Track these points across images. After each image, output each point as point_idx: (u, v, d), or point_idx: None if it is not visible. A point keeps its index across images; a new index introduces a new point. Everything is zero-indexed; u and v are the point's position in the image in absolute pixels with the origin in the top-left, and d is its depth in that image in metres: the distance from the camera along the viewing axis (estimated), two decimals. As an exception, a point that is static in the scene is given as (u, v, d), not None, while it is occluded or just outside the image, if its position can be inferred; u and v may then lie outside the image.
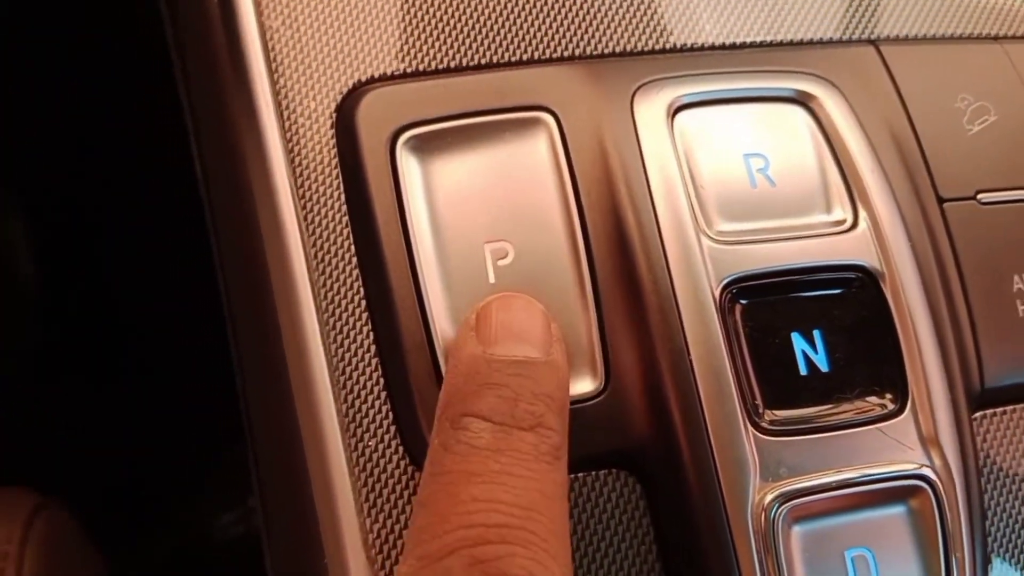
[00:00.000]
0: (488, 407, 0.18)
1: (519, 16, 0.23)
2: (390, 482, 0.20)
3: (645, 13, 0.24)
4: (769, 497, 0.19)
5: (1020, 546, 0.23)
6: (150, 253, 0.55)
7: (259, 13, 0.23)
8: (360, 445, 0.20)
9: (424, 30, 0.23)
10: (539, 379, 0.19)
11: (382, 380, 0.20)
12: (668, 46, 0.24)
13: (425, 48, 0.23)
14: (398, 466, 0.20)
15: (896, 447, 0.20)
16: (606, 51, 0.23)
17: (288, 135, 0.22)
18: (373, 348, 0.20)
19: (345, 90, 0.22)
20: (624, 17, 0.24)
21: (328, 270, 0.21)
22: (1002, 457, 0.23)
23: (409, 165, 0.21)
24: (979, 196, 0.24)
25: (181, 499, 0.55)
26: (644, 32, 0.24)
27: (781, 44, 0.25)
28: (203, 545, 0.54)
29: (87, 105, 0.52)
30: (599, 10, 0.24)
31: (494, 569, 0.16)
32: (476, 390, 0.18)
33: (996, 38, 0.27)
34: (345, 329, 0.21)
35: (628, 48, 0.23)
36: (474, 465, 0.17)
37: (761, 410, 0.20)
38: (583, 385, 0.20)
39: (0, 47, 0.49)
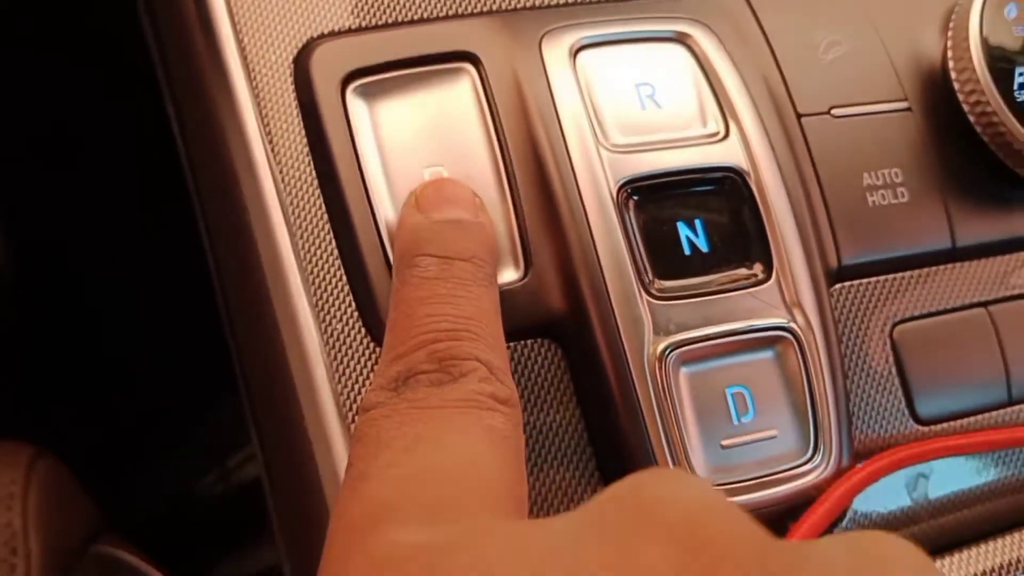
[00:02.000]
0: (434, 248, 0.23)
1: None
2: (355, 355, 0.24)
3: (549, -27, 0.29)
4: (661, 346, 0.24)
5: (877, 406, 0.28)
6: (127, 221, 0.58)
7: (223, -16, 0.27)
8: (329, 329, 0.24)
9: (364, -6, 0.27)
10: (472, 231, 0.23)
11: (345, 278, 0.25)
12: (570, 0, 0.28)
13: (367, 7, 0.27)
14: (361, 343, 0.24)
15: (765, 307, 0.25)
16: (518, 5, 0.28)
17: (253, 85, 0.26)
18: (336, 252, 0.25)
19: (300, 44, 0.26)
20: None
21: (295, 194, 0.25)
22: (857, 322, 0.28)
23: (357, 107, 0.26)
24: (832, 111, 0.29)
25: (163, 460, 0.58)
26: (549, -11, 0.28)
27: (664, -5, 0.29)
28: (185, 504, 0.58)
29: (61, 88, 0.55)
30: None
31: (447, 354, 0.21)
32: (423, 241, 0.23)
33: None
34: (312, 239, 0.25)
35: (536, 3, 0.28)
36: (425, 291, 0.22)
37: (653, 282, 0.25)
38: (509, 274, 0.25)
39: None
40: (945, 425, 0.29)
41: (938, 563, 0.28)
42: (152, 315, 0.59)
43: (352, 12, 0.27)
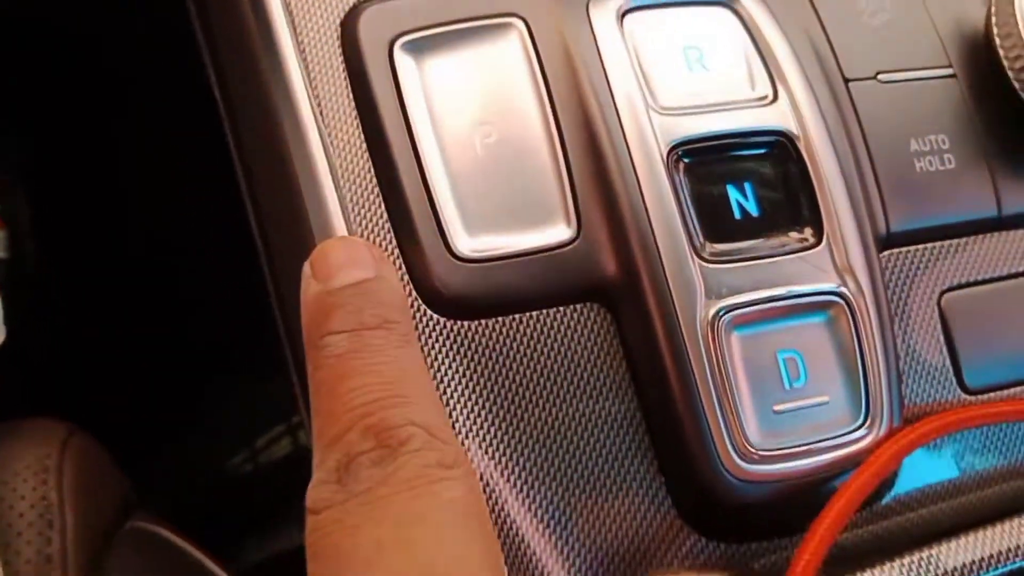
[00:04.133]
0: (339, 322, 0.21)
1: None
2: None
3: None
4: (713, 310, 0.24)
5: (925, 375, 0.28)
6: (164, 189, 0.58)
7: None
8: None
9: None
10: (376, 292, 0.22)
11: (395, 242, 0.24)
12: (615, -37, 0.28)
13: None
14: (412, 307, 0.24)
15: (816, 272, 0.25)
16: (563, -30, 0.28)
17: (301, 48, 0.26)
18: (386, 217, 0.25)
19: (347, 8, 0.26)
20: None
21: (343, 155, 0.25)
22: (905, 289, 0.28)
23: (406, 65, 0.25)
24: (879, 76, 0.29)
25: (192, 441, 0.58)
26: (594, -47, 0.28)
27: (711, -40, 0.29)
28: (214, 484, 0.58)
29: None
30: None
31: (381, 426, 0.20)
32: (326, 316, 0.22)
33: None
34: (359, 199, 0.25)
35: (582, -34, 0.28)
36: (342, 369, 0.21)
37: (704, 245, 0.25)
38: (560, 232, 0.25)
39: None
40: (993, 395, 0.28)
41: (982, 533, 0.28)
42: (186, 298, 0.60)
43: (397, -26, 0.27)
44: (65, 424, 0.42)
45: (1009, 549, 0.28)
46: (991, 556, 0.28)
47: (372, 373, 0.21)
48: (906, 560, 0.27)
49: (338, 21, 0.26)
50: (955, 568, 0.28)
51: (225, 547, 0.44)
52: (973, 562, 0.28)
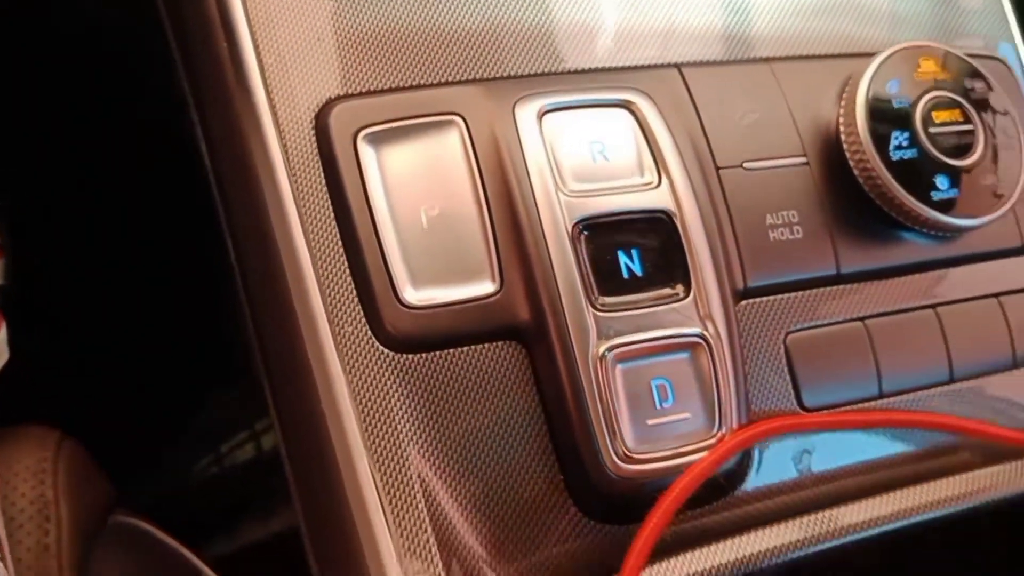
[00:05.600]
0: None
1: (439, 53, 0.34)
2: (362, 352, 0.31)
3: (523, 51, 0.35)
4: (603, 348, 0.31)
5: (772, 396, 0.35)
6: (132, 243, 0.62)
7: (257, 52, 0.33)
8: (342, 331, 0.31)
9: (372, 62, 0.34)
10: None
11: (355, 290, 0.31)
12: (538, 71, 0.35)
13: (374, 74, 0.33)
14: (368, 342, 0.31)
15: (684, 319, 0.32)
16: (497, 75, 0.35)
17: (282, 136, 0.32)
18: (347, 271, 0.31)
19: (320, 104, 0.33)
20: (509, 53, 0.35)
21: (315, 223, 0.32)
22: (758, 330, 0.35)
23: (367, 152, 0.32)
24: (744, 164, 0.36)
25: (163, 448, 0.63)
26: (522, 61, 0.35)
27: (615, 69, 0.37)
28: (182, 487, 0.63)
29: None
30: (494, 48, 0.35)
31: None
32: None
33: (766, 59, 0.39)
34: (327, 258, 0.31)
35: (511, 73, 0.35)
36: None
37: (597, 298, 0.32)
38: (486, 286, 0.32)
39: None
40: (825, 412, 0.36)
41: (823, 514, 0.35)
42: (153, 319, 0.64)
43: (362, 78, 0.33)
44: (56, 430, 0.47)
45: (902, 511, 0.35)
46: (884, 516, 0.35)
47: None
48: (806, 519, 0.34)
49: (313, 114, 0.33)
50: (851, 525, 0.35)
51: (195, 543, 0.50)
52: (867, 521, 0.34)
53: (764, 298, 0.36)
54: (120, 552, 0.44)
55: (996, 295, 0.40)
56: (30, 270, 0.62)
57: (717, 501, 0.33)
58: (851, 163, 0.37)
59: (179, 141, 0.39)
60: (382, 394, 0.31)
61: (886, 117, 0.37)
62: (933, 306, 0.38)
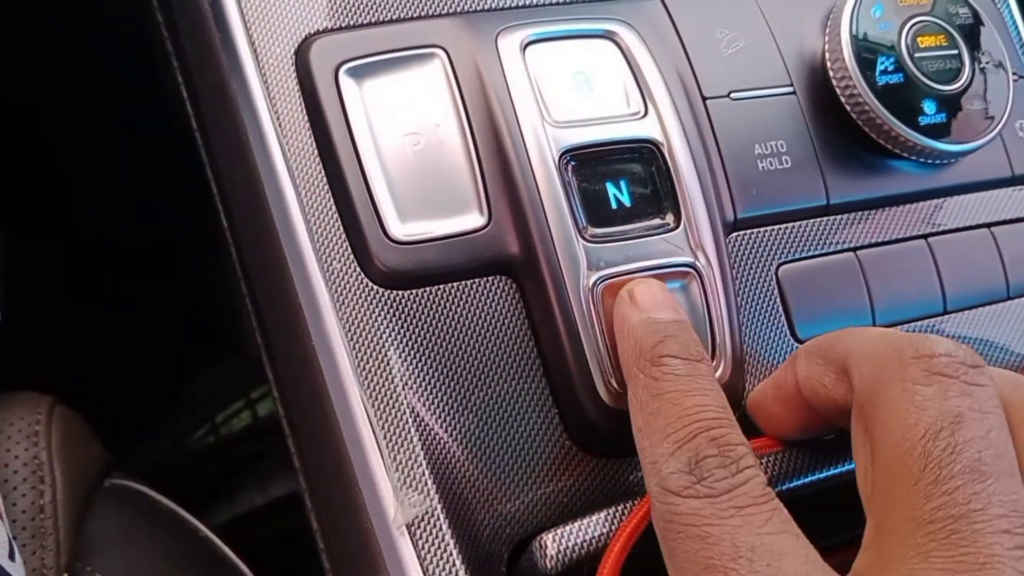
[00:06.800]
0: (675, 349, 0.27)
1: (417, -14, 0.34)
2: (352, 287, 0.30)
3: (503, -19, 0.35)
4: (593, 279, 0.31)
5: (766, 329, 0.35)
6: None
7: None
8: (331, 268, 0.30)
9: (351, -2, 0.33)
10: (689, 331, 0.29)
11: (341, 225, 0.31)
12: (520, 3, 0.35)
13: (352, 9, 0.33)
14: (356, 278, 0.30)
15: (674, 249, 0.32)
16: (479, 8, 0.34)
17: (263, 73, 0.32)
18: (333, 206, 0.31)
19: (300, 40, 0.32)
20: (489, -16, 0.35)
21: (299, 159, 0.31)
22: (749, 263, 0.35)
23: (349, 87, 0.32)
24: (731, 94, 0.36)
25: (159, 418, 0.63)
26: (504, -6, 0.35)
27: (598, 0, 0.36)
28: (180, 454, 0.63)
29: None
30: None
31: (724, 441, 0.25)
32: (661, 340, 0.28)
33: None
34: (312, 193, 0.31)
35: (492, 6, 0.34)
36: (683, 385, 0.27)
37: (586, 229, 0.31)
38: (475, 220, 0.31)
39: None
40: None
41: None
42: (148, 293, 0.64)
43: (342, 13, 0.33)
44: (49, 395, 0.47)
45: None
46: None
47: (709, 396, 0.26)
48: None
49: (293, 50, 0.32)
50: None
51: (193, 507, 0.50)
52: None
53: (756, 229, 0.35)
54: (116, 513, 0.44)
55: (988, 225, 0.40)
56: (24, 243, 0.61)
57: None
58: (837, 90, 0.37)
59: (163, 94, 0.39)
60: (373, 330, 0.30)
61: (871, 43, 0.37)
62: (925, 236, 0.38)
